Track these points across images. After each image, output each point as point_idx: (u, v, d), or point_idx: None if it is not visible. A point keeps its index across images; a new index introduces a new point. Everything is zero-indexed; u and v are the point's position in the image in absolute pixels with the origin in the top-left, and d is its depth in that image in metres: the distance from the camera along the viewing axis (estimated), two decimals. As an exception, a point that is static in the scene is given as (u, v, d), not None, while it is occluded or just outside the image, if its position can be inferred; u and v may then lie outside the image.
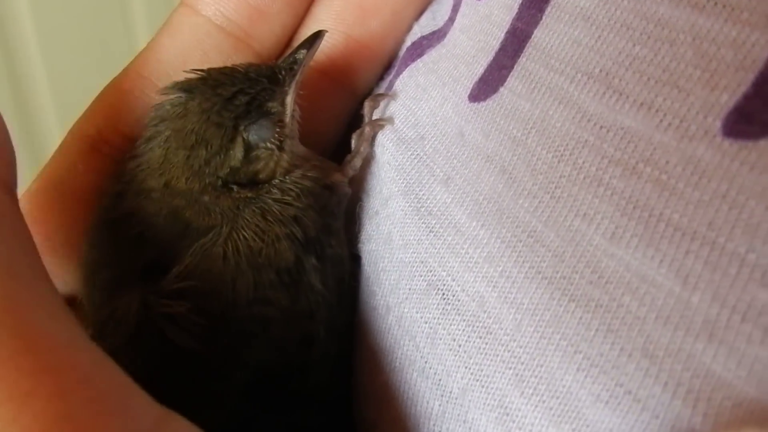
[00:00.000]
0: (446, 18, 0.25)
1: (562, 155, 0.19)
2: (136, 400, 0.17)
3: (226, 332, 0.22)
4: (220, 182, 0.23)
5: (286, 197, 0.23)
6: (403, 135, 0.24)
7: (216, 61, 0.25)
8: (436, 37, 0.25)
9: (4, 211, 0.18)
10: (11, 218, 0.18)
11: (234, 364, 0.22)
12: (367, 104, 0.26)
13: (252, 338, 0.22)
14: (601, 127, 0.18)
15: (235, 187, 0.23)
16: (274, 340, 0.22)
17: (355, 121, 0.27)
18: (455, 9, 0.25)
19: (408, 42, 0.27)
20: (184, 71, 0.24)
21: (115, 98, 0.26)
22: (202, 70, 0.24)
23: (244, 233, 0.22)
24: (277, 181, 0.24)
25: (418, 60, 0.25)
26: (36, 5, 0.85)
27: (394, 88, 0.26)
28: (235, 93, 0.23)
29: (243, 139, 0.23)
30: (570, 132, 0.19)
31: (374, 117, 0.26)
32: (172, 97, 0.24)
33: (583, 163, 0.18)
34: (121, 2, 0.92)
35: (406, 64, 0.26)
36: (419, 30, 0.27)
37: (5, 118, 0.20)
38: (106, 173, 0.25)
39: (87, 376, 0.16)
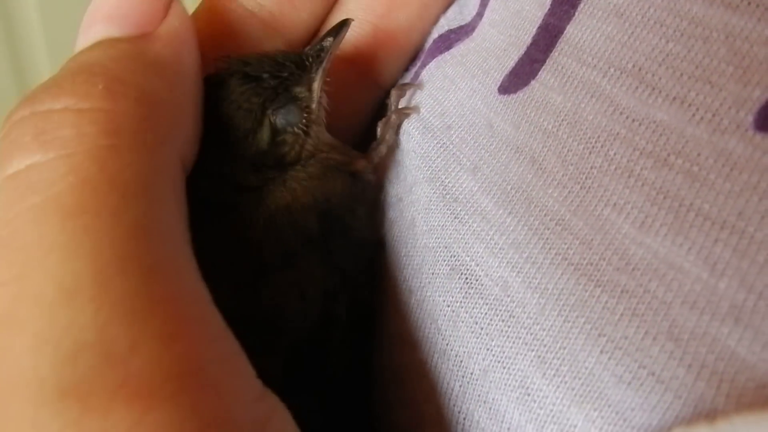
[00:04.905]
0: (474, 13, 0.26)
1: (593, 147, 0.19)
2: (249, 370, 0.18)
3: (264, 296, 0.23)
4: (248, 163, 0.24)
5: (311, 173, 0.24)
6: (429, 124, 0.25)
7: (247, 46, 0.26)
8: (464, 31, 0.26)
9: (176, 185, 0.20)
10: (179, 193, 0.20)
11: (275, 334, 0.23)
12: (393, 93, 0.26)
13: (287, 300, 0.23)
14: (633, 120, 0.18)
15: (263, 169, 0.24)
16: (306, 306, 0.23)
17: (380, 110, 0.28)
18: (483, 4, 0.25)
19: (435, 34, 0.27)
20: (218, 56, 0.24)
21: None
22: (234, 55, 0.24)
23: (271, 205, 0.23)
24: (302, 163, 0.24)
25: (446, 53, 0.26)
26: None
27: (420, 78, 0.26)
28: (264, 76, 0.24)
29: (270, 122, 0.24)
30: (602, 124, 0.19)
31: (400, 106, 0.26)
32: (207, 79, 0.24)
33: (615, 154, 0.18)
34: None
35: (433, 55, 0.26)
36: (446, 23, 0.27)
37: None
38: None
39: (219, 336, 0.18)
